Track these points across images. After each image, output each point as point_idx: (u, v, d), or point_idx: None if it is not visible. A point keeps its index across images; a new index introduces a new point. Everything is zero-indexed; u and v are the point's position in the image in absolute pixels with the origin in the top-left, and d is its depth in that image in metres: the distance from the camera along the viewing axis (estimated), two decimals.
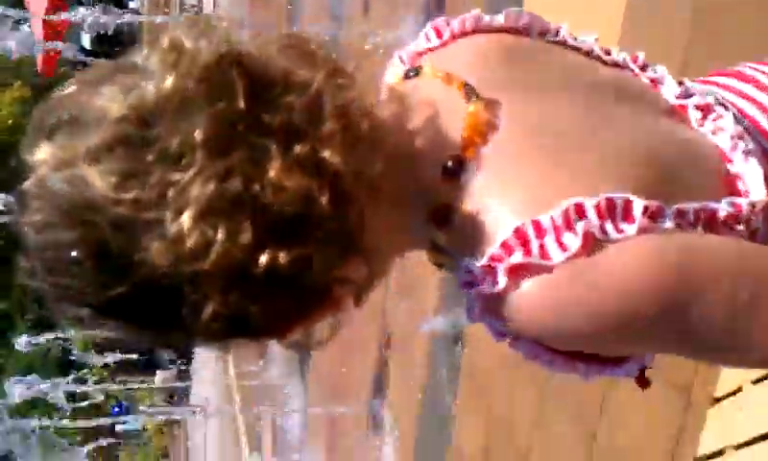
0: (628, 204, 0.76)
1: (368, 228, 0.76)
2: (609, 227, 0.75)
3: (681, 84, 0.96)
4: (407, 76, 0.90)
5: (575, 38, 0.98)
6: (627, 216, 0.76)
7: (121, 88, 0.72)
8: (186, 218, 0.68)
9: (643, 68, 0.98)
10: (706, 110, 0.91)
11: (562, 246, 0.74)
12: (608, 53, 0.99)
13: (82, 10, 15.66)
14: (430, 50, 0.94)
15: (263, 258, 0.70)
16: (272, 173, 0.70)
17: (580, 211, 0.75)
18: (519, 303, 0.76)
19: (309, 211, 0.71)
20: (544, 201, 0.76)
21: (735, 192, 0.86)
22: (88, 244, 0.71)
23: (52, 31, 13.61)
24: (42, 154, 0.74)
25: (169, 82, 0.71)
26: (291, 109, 0.73)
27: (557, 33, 0.98)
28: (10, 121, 18.09)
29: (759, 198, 0.84)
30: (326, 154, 0.72)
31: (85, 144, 0.71)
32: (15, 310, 23.11)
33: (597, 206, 0.75)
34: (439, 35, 0.94)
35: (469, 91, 0.83)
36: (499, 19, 0.94)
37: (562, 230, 0.75)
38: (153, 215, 0.70)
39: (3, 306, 23.72)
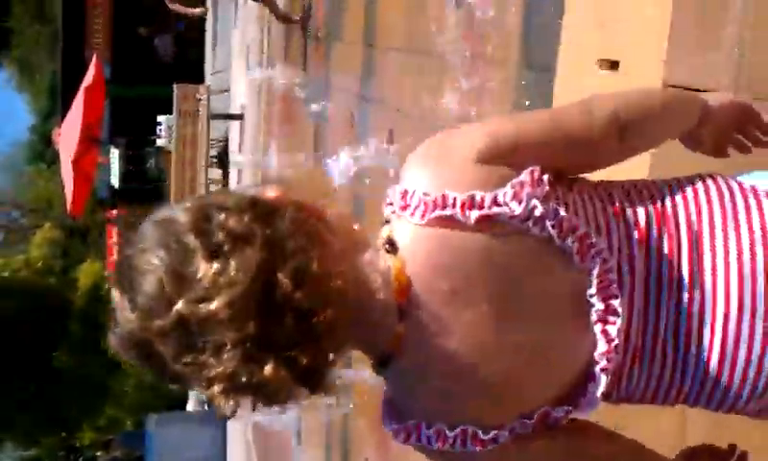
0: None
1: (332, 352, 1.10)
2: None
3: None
4: (386, 247, 1.15)
5: (543, 229, 1.12)
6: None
7: (185, 293, 1.04)
8: (215, 389, 1.05)
9: (583, 258, 1.13)
10: (605, 312, 1.12)
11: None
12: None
13: (114, 150, 15.90)
14: (410, 215, 1.14)
15: (267, 369, 1.06)
16: (266, 372, 1.04)
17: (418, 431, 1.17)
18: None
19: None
20: (414, 417, 1.16)
21: (580, 391, 1.15)
22: (154, 369, 1.12)
23: (82, 172, 13.79)
24: (128, 316, 1.08)
25: (213, 306, 1.03)
26: (287, 327, 1.05)
27: (541, 222, 1.11)
28: (40, 263, 18.11)
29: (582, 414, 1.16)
30: (301, 358, 1.06)
31: (156, 324, 1.05)
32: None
33: (428, 435, 1.15)
34: (418, 206, 1.13)
35: (402, 312, 1.12)
36: (473, 215, 1.10)
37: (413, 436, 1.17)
38: (195, 376, 1.06)
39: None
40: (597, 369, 1.13)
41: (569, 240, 1.12)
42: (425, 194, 1.13)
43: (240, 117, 14.28)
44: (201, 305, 1.03)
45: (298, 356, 1.05)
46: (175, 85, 13.14)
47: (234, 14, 15.52)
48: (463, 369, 1.13)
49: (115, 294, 1.11)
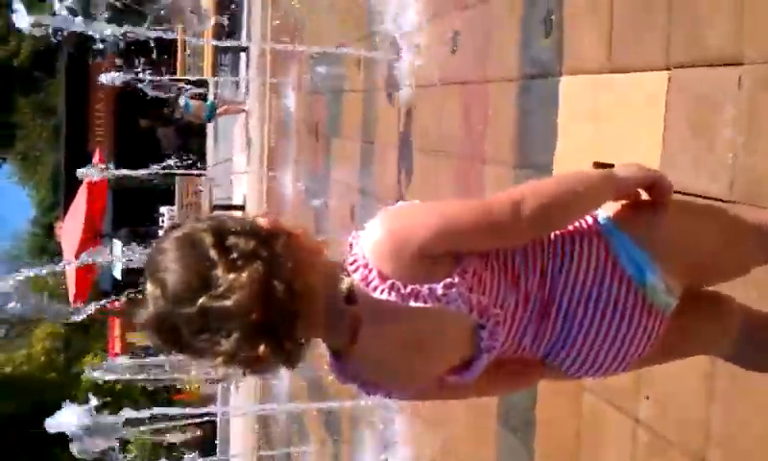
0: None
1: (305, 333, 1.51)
2: None
3: None
4: (345, 297, 1.54)
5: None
6: None
7: (205, 289, 1.42)
8: (220, 359, 1.45)
9: (481, 317, 1.61)
10: (489, 340, 1.64)
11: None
12: None
13: (116, 242, 15.94)
14: (366, 285, 1.54)
15: (261, 348, 1.44)
16: (260, 351, 1.44)
17: None
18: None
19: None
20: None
21: (464, 370, 1.67)
22: (173, 342, 1.48)
23: (84, 265, 13.80)
24: (159, 303, 1.45)
25: (228, 303, 1.41)
26: (277, 320, 1.44)
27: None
28: (42, 358, 17.97)
29: None
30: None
31: (183, 311, 1.42)
32: None
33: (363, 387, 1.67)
34: (373, 281, 1.53)
35: (352, 336, 1.56)
36: (412, 303, 1.53)
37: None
38: (207, 349, 1.45)
39: None
40: (477, 362, 1.62)
41: (474, 312, 1.57)
42: (381, 276, 1.53)
43: (242, 208, 14.36)
44: (219, 302, 1.40)
45: (283, 341, 1.45)
46: (177, 178, 13.26)
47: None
48: (388, 365, 1.61)
49: (148, 285, 1.47)
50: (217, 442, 17.37)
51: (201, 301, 1.41)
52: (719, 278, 1.89)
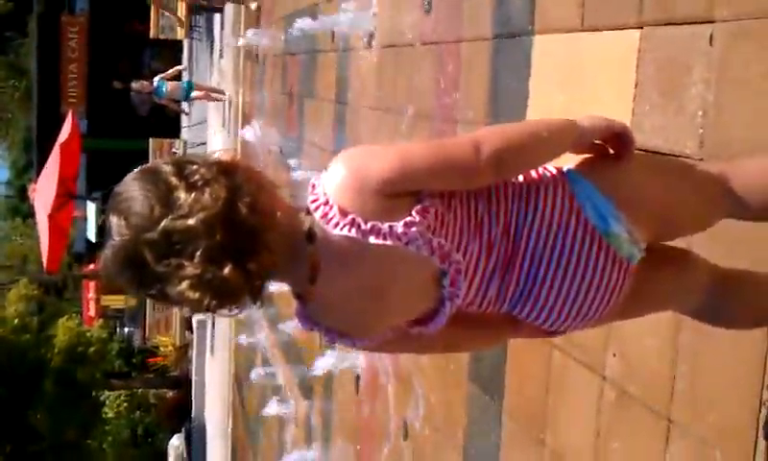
0: None
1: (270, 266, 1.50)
2: None
3: None
4: (306, 235, 1.54)
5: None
6: None
7: (167, 212, 1.41)
8: (185, 284, 1.42)
9: (442, 262, 1.61)
10: (451, 288, 1.63)
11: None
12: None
13: (91, 205, 15.81)
14: (327, 222, 1.53)
15: (227, 269, 1.42)
16: (225, 272, 1.41)
17: None
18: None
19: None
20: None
21: (428, 320, 1.68)
22: (138, 274, 1.45)
23: (57, 227, 13.68)
24: (123, 232, 1.43)
25: (191, 222, 1.40)
26: (242, 240, 1.44)
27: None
28: (16, 320, 17.82)
29: None
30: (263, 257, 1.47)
31: (146, 236, 1.41)
32: None
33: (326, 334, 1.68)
34: (333, 218, 1.53)
35: (312, 276, 1.56)
36: (372, 239, 1.52)
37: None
38: (172, 274, 1.42)
39: None
40: (440, 312, 1.62)
41: (435, 256, 1.57)
42: (342, 212, 1.52)
43: None
44: (181, 221, 1.40)
45: (248, 264, 1.44)
46: (150, 140, 13.15)
47: (210, 69, 15.60)
48: (347, 310, 1.61)
49: (112, 218, 1.46)
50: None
51: (163, 223, 1.41)
52: (682, 230, 1.90)
